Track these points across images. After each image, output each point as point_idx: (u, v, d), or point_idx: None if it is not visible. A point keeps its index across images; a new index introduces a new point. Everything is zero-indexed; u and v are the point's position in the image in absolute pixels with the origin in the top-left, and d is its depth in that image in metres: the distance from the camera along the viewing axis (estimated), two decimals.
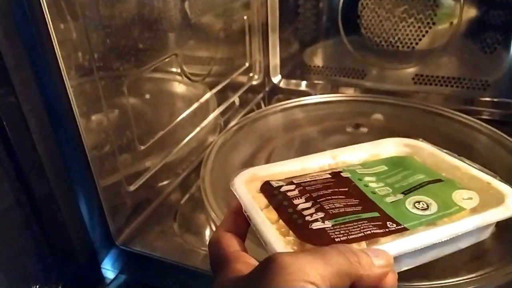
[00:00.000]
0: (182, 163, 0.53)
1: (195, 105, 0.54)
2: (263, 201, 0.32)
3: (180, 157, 0.52)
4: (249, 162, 0.52)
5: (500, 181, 0.33)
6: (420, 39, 0.62)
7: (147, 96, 0.45)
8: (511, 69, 0.59)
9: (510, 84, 0.60)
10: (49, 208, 0.33)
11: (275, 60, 0.75)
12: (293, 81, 0.77)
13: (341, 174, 0.35)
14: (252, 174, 0.34)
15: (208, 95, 0.58)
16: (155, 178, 0.47)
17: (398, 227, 0.28)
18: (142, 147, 0.44)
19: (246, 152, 0.54)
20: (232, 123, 0.63)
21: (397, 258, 0.25)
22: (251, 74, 0.72)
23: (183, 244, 0.41)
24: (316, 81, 0.74)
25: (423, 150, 0.39)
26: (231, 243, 0.25)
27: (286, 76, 0.77)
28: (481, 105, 0.62)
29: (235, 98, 0.66)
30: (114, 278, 0.44)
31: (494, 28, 0.57)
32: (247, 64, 0.69)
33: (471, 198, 0.32)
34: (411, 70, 0.65)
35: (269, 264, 0.18)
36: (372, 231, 0.27)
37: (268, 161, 0.50)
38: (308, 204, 0.30)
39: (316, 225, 0.28)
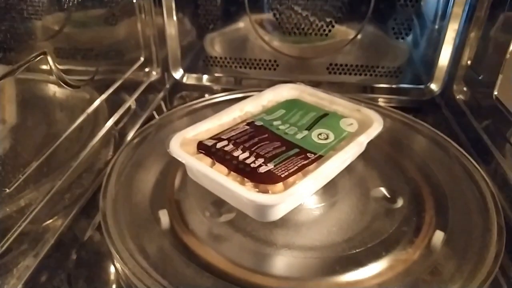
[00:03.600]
0: (69, 195, 0.40)
1: (81, 119, 0.42)
2: (208, 160, 0.36)
3: (65, 188, 0.40)
4: (163, 183, 0.42)
5: (365, 107, 0.43)
6: (333, 26, 0.58)
7: (10, 116, 0.32)
8: (423, 55, 0.59)
9: (422, 70, 0.60)
10: None
11: (174, 51, 0.64)
12: (194, 75, 0.67)
13: (255, 123, 0.41)
14: (183, 138, 0.38)
15: (97, 103, 0.45)
16: (33, 223, 0.34)
17: (316, 156, 0.36)
18: (8, 190, 0.31)
19: (156, 170, 0.43)
20: (131, 133, 0.51)
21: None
22: (147, 69, 0.61)
23: None
24: (217, 74, 0.66)
25: (304, 92, 0.48)
26: None
27: (188, 69, 0.67)
28: (395, 92, 0.61)
29: (131, 102, 0.55)
30: None
31: (404, 14, 0.56)
32: (142, 58, 0.57)
33: (352, 124, 0.42)
34: (325, 59, 0.61)
35: None
36: (301, 164, 0.35)
37: (185, 178, 0.41)
38: (247, 154, 0.36)
39: (262, 169, 0.34)
